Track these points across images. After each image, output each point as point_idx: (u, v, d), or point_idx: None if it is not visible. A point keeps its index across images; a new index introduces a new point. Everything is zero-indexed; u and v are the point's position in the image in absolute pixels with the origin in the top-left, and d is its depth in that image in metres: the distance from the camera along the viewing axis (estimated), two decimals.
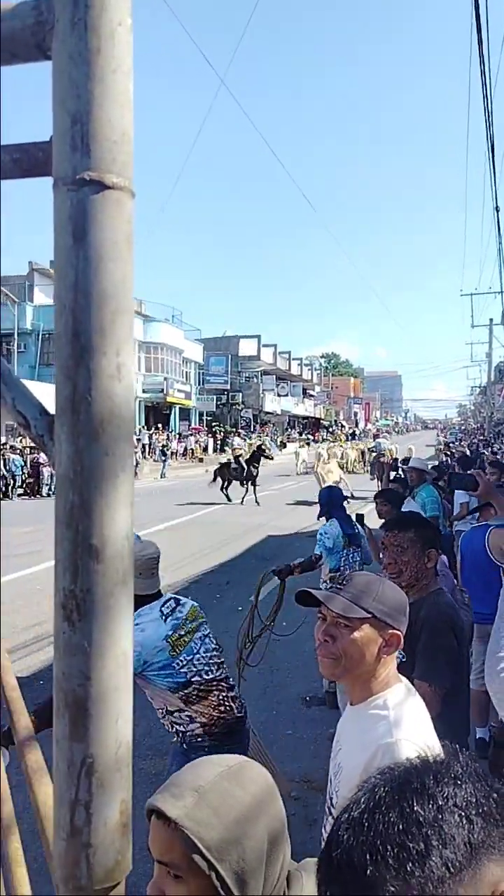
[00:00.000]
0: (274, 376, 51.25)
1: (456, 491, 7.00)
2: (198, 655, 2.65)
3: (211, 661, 2.69)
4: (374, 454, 25.02)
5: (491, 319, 38.45)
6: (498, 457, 14.00)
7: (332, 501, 5.46)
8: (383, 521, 5.60)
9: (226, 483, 17.99)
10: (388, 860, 0.55)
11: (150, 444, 30.39)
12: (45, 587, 8.19)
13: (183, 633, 2.65)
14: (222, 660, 2.79)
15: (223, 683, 2.71)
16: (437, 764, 0.64)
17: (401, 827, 0.57)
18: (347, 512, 5.55)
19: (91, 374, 0.59)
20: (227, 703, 2.69)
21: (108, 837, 0.60)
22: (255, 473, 17.34)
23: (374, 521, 5.75)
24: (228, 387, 44.83)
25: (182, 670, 2.58)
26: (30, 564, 9.23)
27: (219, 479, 18.26)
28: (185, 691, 2.61)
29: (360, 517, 5.56)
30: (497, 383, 41.77)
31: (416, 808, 0.58)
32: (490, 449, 20.16)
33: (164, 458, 27.83)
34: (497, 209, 13.63)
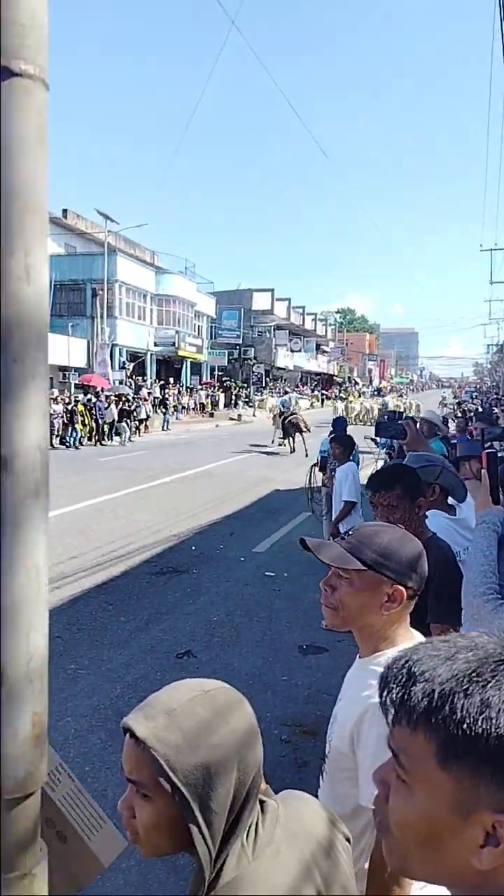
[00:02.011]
0: (287, 331, 50.67)
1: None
2: None
3: None
4: (379, 410, 25.60)
5: None
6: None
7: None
8: (337, 461, 6.26)
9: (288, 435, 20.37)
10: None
11: (161, 398, 30.33)
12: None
13: None
14: None
15: None
16: None
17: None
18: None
19: None
20: None
21: (18, 749, 0.60)
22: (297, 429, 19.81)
23: None
24: (241, 341, 44.42)
25: None
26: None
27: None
28: None
29: (323, 458, 6.68)
30: None
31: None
32: (502, 407, 19.93)
33: (165, 411, 27.76)
34: None
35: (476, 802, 0.61)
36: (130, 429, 23.02)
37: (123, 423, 22.65)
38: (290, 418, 19.96)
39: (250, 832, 0.93)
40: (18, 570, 0.59)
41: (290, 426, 19.82)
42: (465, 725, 0.62)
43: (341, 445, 6.37)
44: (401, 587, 1.48)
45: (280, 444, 20.94)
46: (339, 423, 7.48)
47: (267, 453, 19.89)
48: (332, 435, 6.83)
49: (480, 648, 0.67)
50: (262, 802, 0.99)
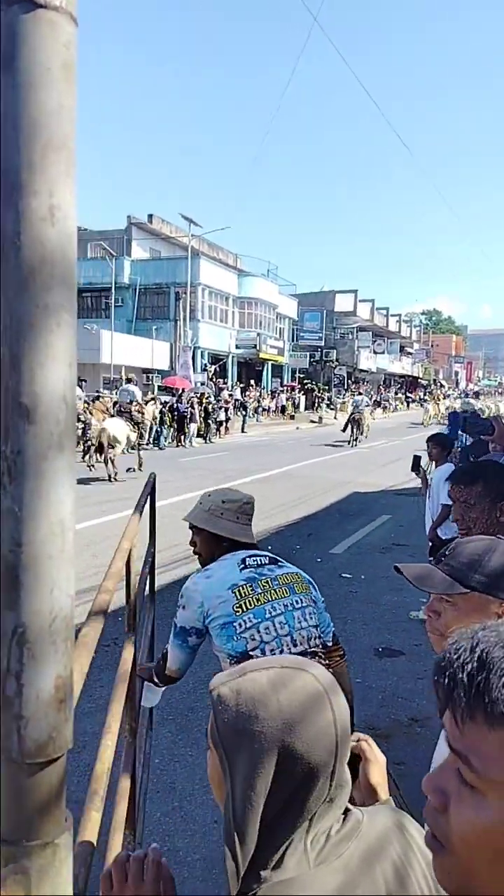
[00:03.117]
0: (370, 333, 50.01)
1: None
2: (267, 623, 2.06)
3: (288, 639, 2.06)
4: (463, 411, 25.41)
5: None
6: None
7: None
8: (434, 462, 5.85)
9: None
10: None
11: (242, 400, 30.57)
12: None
13: (260, 590, 2.11)
14: (313, 649, 2.10)
15: None
16: None
17: None
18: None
19: (19, 216, 0.54)
20: None
21: (41, 710, 0.58)
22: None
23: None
24: (322, 343, 44.20)
25: (243, 635, 2.04)
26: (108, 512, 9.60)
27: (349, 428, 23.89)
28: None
29: (416, 458, 6.08)
30: None
31: None
32: None
33: (244, 412, 27.85)
34: None
35: None
36: (211, 431, 23.33)
37: (209, 422, 22.96)
38: (353, 415, 23.94)
39: (319, 837, 0.86)
40: (40, 524, 0.57)
41: (352, 421, 23.67)
42: None
43: (439, 445, 5.96)
44: None
45: (351, 441, 23.28)
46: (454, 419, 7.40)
47: (343, 453, 19.66)
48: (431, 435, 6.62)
49: None
50: (346, 811, 0.93)
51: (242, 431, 26.87)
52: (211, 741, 0.89)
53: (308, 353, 42.95)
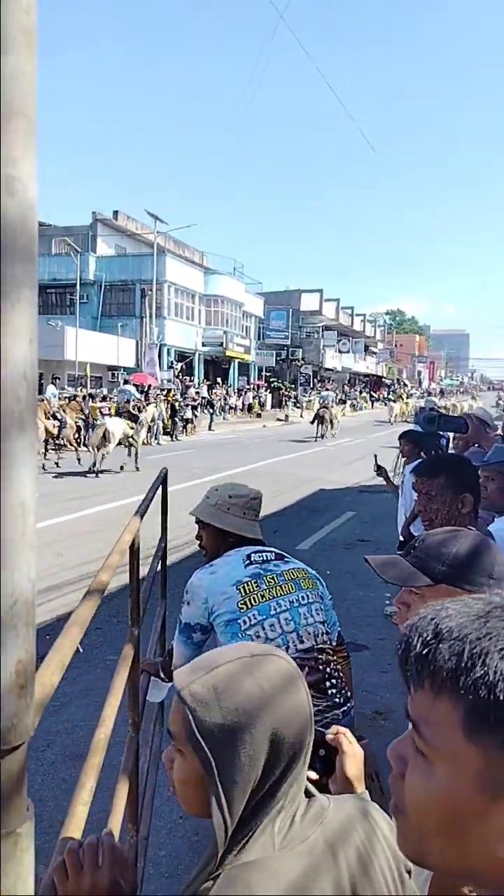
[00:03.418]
0: (335, 332, 50.34)
1: None
2: (272, 620, 2.02)
3: (294, 635, 2.02)
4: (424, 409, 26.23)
5: None
6: None
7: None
8: (406, 458, 5.74)
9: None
10: None
11: (208, 398, 30.49)
12: (95, 529, 8.41)
13: (265, 586, 2.08)
14: (321, 646, 2.05)
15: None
16: None
17: None
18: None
19: None
20: None
21: (1, 697, 0.56)
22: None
23: None
24: (289, 342, 44.33)
25: (247, 632, 2.00)
26: (80, 508, 9.49)
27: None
28: None
29: (375, 457, 6.06)
30: None
31: None
32: None
33: (212, 410, 27.80)
34: None
35: None
36: (178, 428, 23.21)
37: (176, 419, 22.87)
38: (320, 410, 24.81)
39: (285, 821, 0.86)
40: (1, 505, 0.55)
41: (318, 417, 24.50)
42: (498, 689, 0.54)
43: (411, 443, 5.79)
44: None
45: (317, 437, 24.07)
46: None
47: (311, 450, 19.77)
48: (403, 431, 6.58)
49: None
50: (310, 795, 0.92)
51: (210, 429, 26.80)
52: (188, 745, 0.86)
53: (274, 352, 43.03)
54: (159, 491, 2.89)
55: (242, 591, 2.06)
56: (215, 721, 0.84)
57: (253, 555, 2.18)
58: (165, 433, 22.53)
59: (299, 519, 9.72)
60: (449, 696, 0.56)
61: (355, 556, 7.08)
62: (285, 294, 46.30)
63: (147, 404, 18.39)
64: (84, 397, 20.30)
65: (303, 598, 2.11)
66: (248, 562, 2.15)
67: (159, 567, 3.01)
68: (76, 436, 16.57)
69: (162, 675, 2.36)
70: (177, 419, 23.08)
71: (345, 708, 2.02)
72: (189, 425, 24.85)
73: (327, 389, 33.71)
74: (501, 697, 0.54)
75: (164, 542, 3.10)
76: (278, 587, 2.09)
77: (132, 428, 14.70)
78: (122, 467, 14.57)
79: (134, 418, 15.16)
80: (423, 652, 0.59)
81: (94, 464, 13.69)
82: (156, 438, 21.26)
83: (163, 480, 2.93)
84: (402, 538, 5.66)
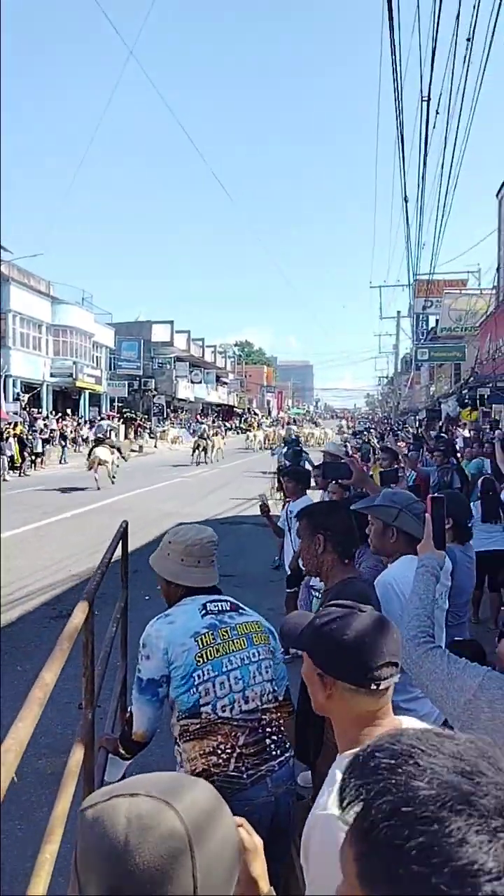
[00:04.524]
0: (187, 363, 50.81)
1: None
2: (223, 678, 2.00)
3: (241, 696, 2.01)
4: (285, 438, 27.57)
5: (398, 312, 39.82)
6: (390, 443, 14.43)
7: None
8: (292, 496, 5.85)
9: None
10: None
11: (59, 430, 29.42)
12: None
13: (220, 640, 2.05)
14: (265, 706, 2.05)
15: (239, 733, 1.96)
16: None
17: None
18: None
19: None
20: (223, 756, 1.93)
21: None
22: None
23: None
24: (141, 372, 44.06)
25: (199, 687, 1.97)
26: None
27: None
28: (187, 720, 1.98)
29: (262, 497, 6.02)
30: (403, 374, 43.23)
31: None
32: (396, 438, 20.78)
33: (63, 442, 27.01)
34: (406, 199, 13.87)
35: None
36: (26, 463, 22.16)
37: (24, 454, 21.84)
38: (197, 442, 27.80)
39: None
40: None
41: (197, 447, 27.43)
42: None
43: (294, 480, 5.79)
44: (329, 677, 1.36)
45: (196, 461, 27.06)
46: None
47: (168, 482, 19.70)
48: (285, 469, 6.61)
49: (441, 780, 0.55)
50: None
51: (62, 462, 25.84)
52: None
53: (126, 382, 42.54)
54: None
55: (200, 643, 2.02)
56: (79, 852, 0.77)
57: (209, 604, 2.14)
58: (13, 468, 21.41)
59: None
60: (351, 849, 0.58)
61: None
62: (136, 325, 46.08)
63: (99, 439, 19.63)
64: None
65: (254, 654, 2.09)
66: (204, 611, 2.11)
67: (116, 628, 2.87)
68: None
69: (122, 751, 2.21)
70: (25, 453, 22.05)
71: (282, 759, 2.03)
72: (38, 459, 23.81)
73: (199, 421, 35.16)
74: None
75: (125, 601, 2.96)
76: (231, 642, 2.06)
77: (114, 453, 15.75)
78: None
79: (113, 445, 17.74)
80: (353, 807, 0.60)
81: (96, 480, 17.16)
82: (2, 474, 20.14)
83: (122, 535, 2.82)
84: (289, 570, 5.80)
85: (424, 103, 9.08)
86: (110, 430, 22.22)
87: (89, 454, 18.64)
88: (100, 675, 2.15)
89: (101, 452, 18.41)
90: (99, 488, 17.49)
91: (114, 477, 18.78)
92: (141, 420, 39.80)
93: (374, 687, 1.30)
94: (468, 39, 8.36)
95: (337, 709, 1.35)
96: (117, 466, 19.29)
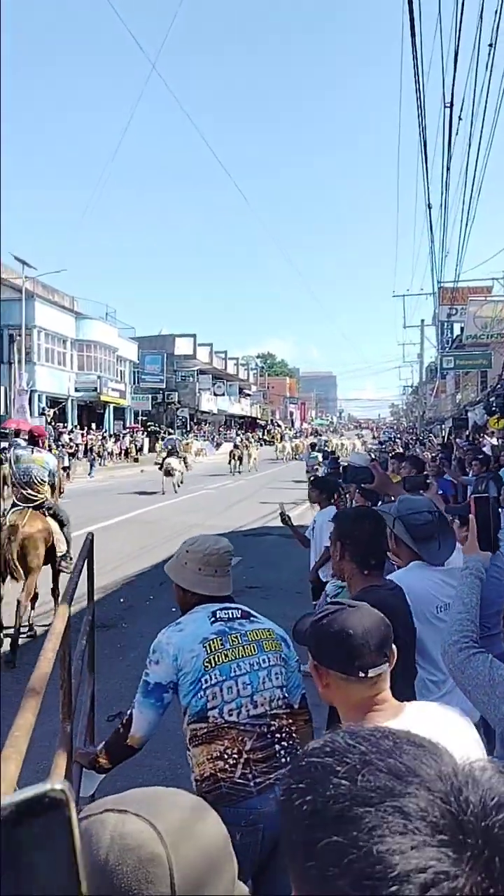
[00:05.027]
0: (210, 375, 51.05)
1: None
2: (231, 683, 2.01)
3: (249, 700, 2.01)
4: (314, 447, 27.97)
5: (422, 320, 39.47)
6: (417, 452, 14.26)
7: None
8: (318, 504, 5.90)
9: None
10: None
11: (85, 445, 29.67)
12: None
13: (228, 645, 2.06)
14: (275, 711, 2.04)
15: (246, 738, 1.97)
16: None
17: None
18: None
19: None
20: (230, 761, 1.94)
21: None
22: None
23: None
24: (164, 386, 44.36)
25: (206, 691, 1.99)
26: None
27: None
28: (196, 724, 2.00)
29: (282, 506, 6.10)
30: (428, 383, 42.87)
31: None
32: (423, 447, 20.58)
33: (91, 456, 27.27)
34: (429, 206, 13.75)
35: None
36: None
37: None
38: (233, 451, 29.49)
39: None
40: None
41: (232, 455, 28.95)
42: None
43: (318, 489, 5.92)
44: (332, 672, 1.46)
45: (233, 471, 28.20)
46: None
47: (190, 495, 19.71)
48: (312, 478, 6.64)
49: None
50: None
51: (90, 475, 26.09)
52: None
53: (150, 396, 42.86)
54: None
55: (208, 648, 2.04)
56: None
57: (219, 612, 2.16)
58: None
59: None
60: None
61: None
62: (159, 338, 46.47)
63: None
64: None
65: (264, 660, 2.09)
66: (213, 618, 2.13)
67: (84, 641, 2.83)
68: None
69: (101, 762, 2.15)
70: None
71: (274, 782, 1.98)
72: (65, 472, 23.98)
73: (238, 434, 36.00)
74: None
75: (92, 614, 2.93)
76: (241, 648, 2.08)
77: None
78: None
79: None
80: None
81: None
82: None
83: (89, 549, 2.78)
84: (311, 583, 5.74)
85: (447, 109, 9.05)
86: (178, 443, 24.80)
87: (161, 463, 21.24)
88: (74, 689, 2.10)
89: (174, 462, 21.00)
90: (164, 492, 19.83)
91: (180, 483, 21.25)
92: (165, 433, 40.01)
93: (363, 675, 1.39)
94: (490, 45, 8.33)
95: (336, 697, 1.46)
96: (182, 475, 21.89)
